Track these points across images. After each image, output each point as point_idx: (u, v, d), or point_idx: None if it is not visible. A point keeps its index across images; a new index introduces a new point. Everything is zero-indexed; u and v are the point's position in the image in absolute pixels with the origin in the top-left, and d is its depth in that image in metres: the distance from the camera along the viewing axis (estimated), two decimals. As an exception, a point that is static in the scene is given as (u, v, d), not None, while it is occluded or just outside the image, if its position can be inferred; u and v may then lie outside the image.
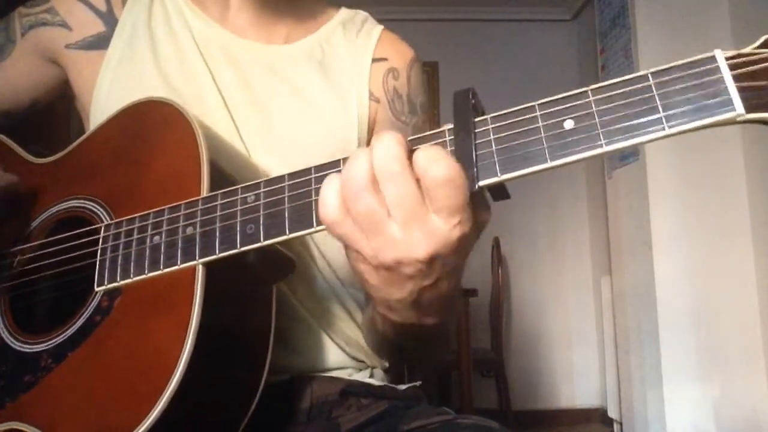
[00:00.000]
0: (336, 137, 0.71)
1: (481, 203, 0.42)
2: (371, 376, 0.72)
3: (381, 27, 0.79)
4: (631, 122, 0.38)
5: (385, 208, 0.39)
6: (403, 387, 0.72)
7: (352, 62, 0.75)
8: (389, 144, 0.39)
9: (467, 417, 0.59)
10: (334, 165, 0.45)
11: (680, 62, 0.38)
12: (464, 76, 3.39)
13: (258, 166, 0.66)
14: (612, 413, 3.19)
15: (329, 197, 0.40)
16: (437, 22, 3.80)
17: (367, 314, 0.68)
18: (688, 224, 2.56)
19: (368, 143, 0.73)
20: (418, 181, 0.39)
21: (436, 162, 0.38)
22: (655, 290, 2.55)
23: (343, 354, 0.69)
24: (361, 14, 0.81)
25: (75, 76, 0.72)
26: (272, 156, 0.67)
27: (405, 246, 0.40)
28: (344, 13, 0.80)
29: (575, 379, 3.73)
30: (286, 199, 0.45)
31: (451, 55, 3.83)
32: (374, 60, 0.75)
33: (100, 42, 0.71)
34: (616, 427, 3.14)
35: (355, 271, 0.45)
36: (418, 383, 0.74)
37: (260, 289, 0.56)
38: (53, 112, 0.81)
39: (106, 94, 0.68)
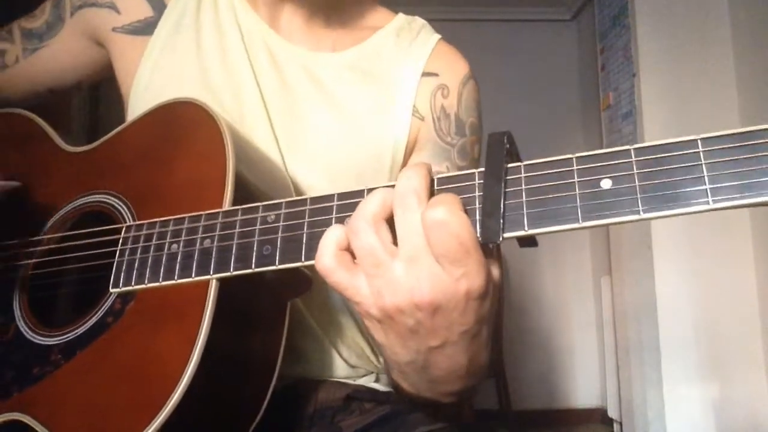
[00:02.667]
0: (369, 152, 0.68)
1: (490, 257, 0.40)
2: (377, 380, 0.71)
3: (437, 37, 0.75)
4: (674, 191, 0.35)
5: (388, 247, 0.38)
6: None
7: (400, 76, 0.71)
8: (411, 175, 0.39)
9: (471, 425, 0.59)
10: (358, 195, 0.43)
11: (734, 131, 0.35)
12: (464, 76, 3.38)
13: (287, 174, 0.65)
14: (612, 413, 3.19)
15: (325, 246, 0.40)
16: (437, 22, 3.78)
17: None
18: (688, 225, 2.56)
19: (406, 160, 0.71)
20: None
21: (435, 205, 0.37)
22: (655, 290, 2.55)
23: (349, 366, 0.69)
24: (419, 21, 0.77)
25: (118, 61, 0.72)
26: (302, 163, 0.66)
27: (406, 288, 0.38)
28: (400, 19, 0.76)
29: (575, 379, 3.73)
30: (306, 224, 0.44)
31: (451, 55, 3.83)
32: (424, 74, 0.71)
33: (147, 27, 0.70)
34: (616, 427, 3.13)
35: (365, 327, 0.44)
36: None
37: (274, 305, 0.56)
38: (55, 109, 0.81)
39: (146, 82, 0.68)
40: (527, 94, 3.74)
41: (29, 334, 0.56)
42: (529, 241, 0.39)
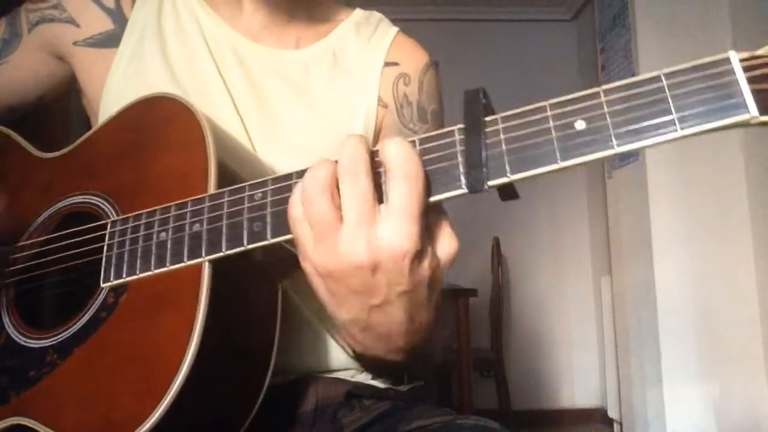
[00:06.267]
0: (341, 143, 0.70)
1: (448, 234, 0.43)
2: (373, 377, 0.71)
3: (395, 29, 0.77)
4: (644, 123, 0.37)
5: (338, 214, 0.41)
6: (405, 388, 0.72)
7: (363, 67, 0.73)
8: (354, 143, 0.41)
9: (468, 417, 0.59)
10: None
11: (694, 63, 0.37)
12: (464, 75, 3.38)
13: (264, 163, 0.65)
14: (612, 413, 3.19)
15: (295, 195, 0.42)
16: (437, 21, 3.79)
17: None
18: (688, 224, 2.56)
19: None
20: (376, 185, 0.41)
21: (396, 147, 0.40)
22: (655, 290, 2.55)
23: (346, 355, 0.69)
24: (376, 15, 0.79)
25: (83, 74, 0.71)
26: (276, 159, 0.67)
27: (347, 252, 0.41)
28: (358, 14, 0.79)
29: (575, 379, 3.74)
30: None
31: (452, 55, 3.83)
32: (386, 64, 0.74)
33: (110, 40, 0.70)
34: (616, 427, 3.14)
35: (311, 285, 0.46)
36: (419, 383, 0.74)
37: (266, 287, 0.56)
38: (50, 111, 0.80)
39: (115, 93, 0.68)
40: (527, 94, 3.73)
41: (21, 339, 0.56)
42: (510, 193, 0.41)
